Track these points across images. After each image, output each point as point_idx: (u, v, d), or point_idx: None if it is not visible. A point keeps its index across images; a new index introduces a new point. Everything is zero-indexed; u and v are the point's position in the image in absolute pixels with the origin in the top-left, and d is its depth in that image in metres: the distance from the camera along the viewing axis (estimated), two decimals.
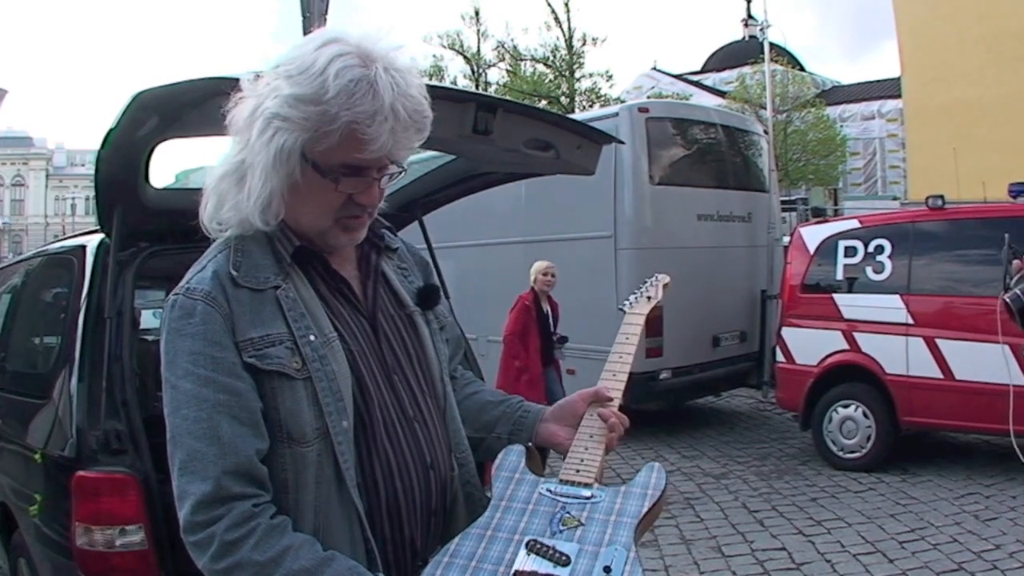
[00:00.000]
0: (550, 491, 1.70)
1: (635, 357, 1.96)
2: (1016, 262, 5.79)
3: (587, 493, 1.68)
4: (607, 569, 1.52)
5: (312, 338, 1.60)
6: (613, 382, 1.89)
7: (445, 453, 1.80)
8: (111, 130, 2.82)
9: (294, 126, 1.52)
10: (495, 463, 1.79)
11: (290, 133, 1.52)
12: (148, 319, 5.29)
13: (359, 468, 1.62)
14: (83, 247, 3.99)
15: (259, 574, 1.45)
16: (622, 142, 4.81)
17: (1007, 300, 3.71)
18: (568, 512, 1.65)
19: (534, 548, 1.58)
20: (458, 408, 1.94)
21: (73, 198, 63.81)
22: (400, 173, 1.66)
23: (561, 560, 1.55)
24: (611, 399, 1.84)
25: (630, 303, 2.11)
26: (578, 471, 1.73)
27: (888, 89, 33.91)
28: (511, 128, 3.28)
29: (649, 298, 2.13)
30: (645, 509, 1.65)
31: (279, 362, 1.56)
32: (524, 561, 1.55)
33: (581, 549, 1.56)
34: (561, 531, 1.61)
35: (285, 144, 1.53)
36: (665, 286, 2.17)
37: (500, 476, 1.76)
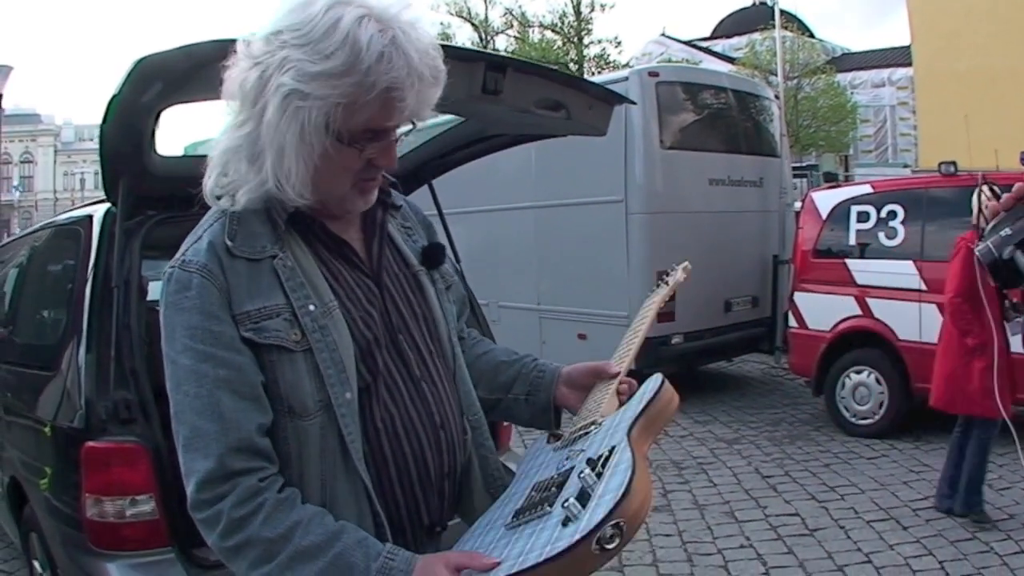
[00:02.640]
0: (562, 444, 1.71)
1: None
2: (992, 204, 5.51)
3: (592, 427, 1.67)
4: (591, 462, 1.48)
5: (311, 308, 1.56)
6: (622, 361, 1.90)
7: (456, 414, 1.77)
8: (114, 97, 2.78)
9: (319, 102, 1.44)
10: (524, 454, 1.80)
11: (315, 110, 1.45)
12: (158, 290, 5.28)
13: (364, 437, 1.59)
14: (90, 217, 3.97)
15: (268, 551, 1.43)
16: (633, 102, 4.76)
17: (977, 255, 3.39)
18: (574, 448, 1.64)
19: (537, 487, 1.57)
20: (471, 369, 1.91)
21: (82, 173, 63.80)
22: (412, 128, 1.62)
23: (558, 482, 1.52)
24: (615, 374, 1.83)
25: (654, 289, 2.14)
26: (584, 419, 1.74)
27: (898, 57, 33.61)
28: (521, 88, 3.22)
29: (667, 284, 2.14)
30: (640, 407, 1.62)
31: (277, 335, 1.53)
32: (525, 501, 1.55)
33: (577, 466, 1.53)
34: (567, 463, 1.59)
35: (311, 120, 1.46)
36: (684, 268, 2.19)
37: (525, 459, 1.78)
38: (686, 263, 2.21)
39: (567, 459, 1.60)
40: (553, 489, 1.50)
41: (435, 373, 1.74)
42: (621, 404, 1.77)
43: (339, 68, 1.42)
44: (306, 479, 1.54)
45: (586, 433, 1.66)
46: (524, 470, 1.72)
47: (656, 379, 1.70)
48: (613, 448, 1.49)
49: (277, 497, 1.47)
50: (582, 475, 1.43)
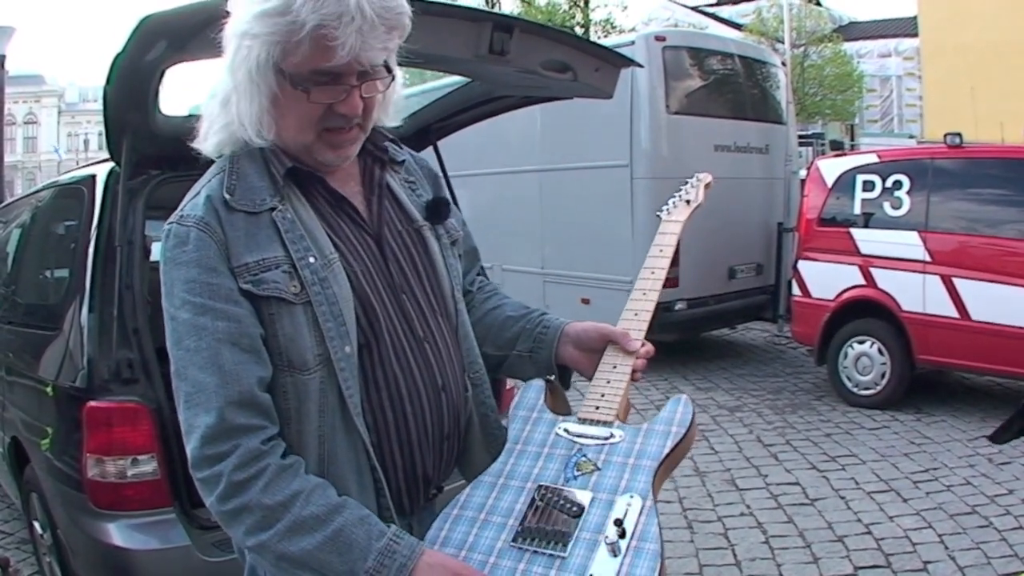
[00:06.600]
0: (567, 431, 1.63)
1: None
2: None
3: (606, 433, 1.60)
4: (618, 522, 1.43)
5: (311, 260, 1.54)
6: (643, 302, 1.83)
7: (458, 374, 1.74)
8: (118, 55, 2.74)
9: (263, 41, 1.47)
10: (513, 401, 1.73)
11: (261, 48, 1.48)
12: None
13: (365, 394, 1.57)
14: (93, 176, 3.94)
15: (267, 518, 1.42)
16: (640, 65, 4.73)
17: None
18: (584, 455, 1.57)
19: (544, 497, 1.51)
20: (480, 325, 1.89)
21: (86, 134, 63.53)
22: (391, 80, 1.59)
23: (572, 511, 1.48)
24: (633, 352, 1.76)
25: (668, 209, 1.98)
26: (597, 408, 1.66)
27: (905, 27, 33.43)
28: (528, 49, 3.18)
29: (688, 201, 1.99)
30: (667, 450, 1.56)
31: (276, 287, 1.51)
32: (533, 513, 1.49)
33: (595, 498, 1.49)
34: (575, 477, 1.54)
35: (259, 59, 1.49)
36: (707, 186, 2.03)
37: (517, 416, 1.69)
38: (708, 176, 2.04)
39: (576, 467, 1.55)
40: (564, 517, 1.47)
41: (437, 332, 1.72)
42: (635, 380, 1.73)
43: (278, 7, 1.44)
44: (305, 435, 1.52)
45: (598, 430, 1.61)
46: (520, 434, 1.66)
47: (686, 410, 1.63)
48: (636, 498, 1.47)
49: (280, 463, 1.45)
50: (608, 540, 1.41)
